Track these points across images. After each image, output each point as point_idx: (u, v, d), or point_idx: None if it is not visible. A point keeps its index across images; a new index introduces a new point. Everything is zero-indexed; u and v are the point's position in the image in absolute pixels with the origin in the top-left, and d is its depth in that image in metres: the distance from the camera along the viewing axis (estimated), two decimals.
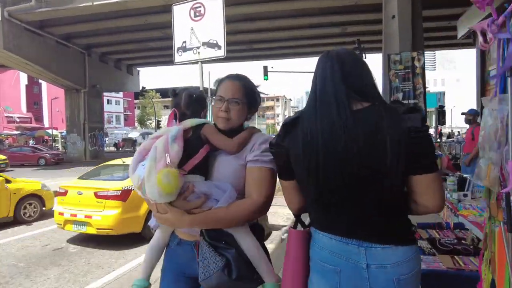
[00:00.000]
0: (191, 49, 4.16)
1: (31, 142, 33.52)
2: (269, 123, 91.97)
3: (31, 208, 7.09)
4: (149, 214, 5.01)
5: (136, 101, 58.14)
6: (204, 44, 4.11)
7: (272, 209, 1.67)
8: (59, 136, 35.97)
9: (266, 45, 24.17)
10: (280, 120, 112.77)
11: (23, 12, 16.27)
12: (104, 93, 53.78)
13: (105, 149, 39.81)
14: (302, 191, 1.29)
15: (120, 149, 37.27)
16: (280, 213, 7.14)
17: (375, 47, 24.47)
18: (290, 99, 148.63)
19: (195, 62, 4.22)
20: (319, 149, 1.13)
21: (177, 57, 4.32)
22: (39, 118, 47.97)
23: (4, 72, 45.76)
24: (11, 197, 6.72)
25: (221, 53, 3.89)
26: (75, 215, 5.31)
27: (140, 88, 31.26)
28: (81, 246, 5.49)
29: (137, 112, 60.29)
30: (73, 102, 23.31)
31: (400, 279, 1.12)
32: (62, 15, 16.90)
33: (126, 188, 5.19)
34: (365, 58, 20.27)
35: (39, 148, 22.24)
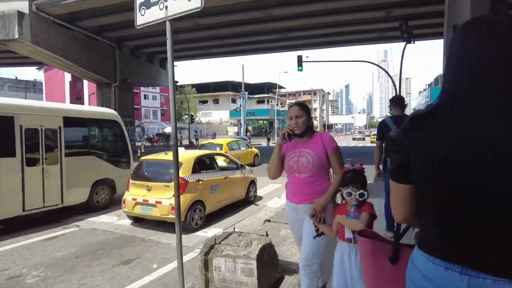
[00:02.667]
0: (156, 3, 2.81)
1: None
2: None
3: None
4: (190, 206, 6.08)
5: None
6: None
7: None
8: None
9: (302, 33, 22.40)
10: (318, 114, 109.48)
11: (50, 5, 16.00)
12: (141, 89, 55.53)
13: (142, 143, 40.35)
14: (421, 198, 1.10)
15: (155, 143, 37.46)
16: None
17: (426, 32, 21.76)
18: (329, 93, 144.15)
19: (162, 22, 2.87)
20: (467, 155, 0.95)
21: (139, 18, 2.98)
22: None
23: (51, 70, 48.09)
24: None
25: (196, 3, 2.46)
26: (147, 200, 6.10)
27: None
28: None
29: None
30: (104, 96, 23.19)
31: None
32: (88, 6, 16.47)
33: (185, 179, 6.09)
34: (413, 43, 17.85)
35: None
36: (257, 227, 5.73)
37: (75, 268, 4.39)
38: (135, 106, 55.22)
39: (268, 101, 70.52)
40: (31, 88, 60.43)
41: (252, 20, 19.92)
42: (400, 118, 4.08)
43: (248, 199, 8.02)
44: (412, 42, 17.94)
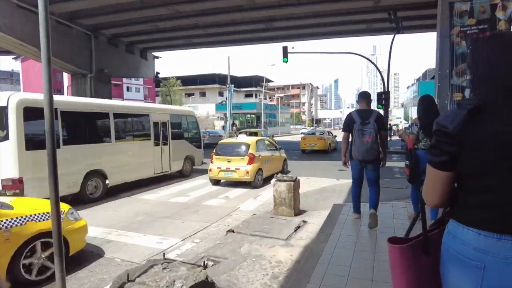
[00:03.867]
0: None
1: None
2: (293, 112, 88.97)
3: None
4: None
5: (157, 89, 57.24)
6: None
7: None
8: None
9: (287, 23, 21.51)
10: (306, 109, 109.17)
11: None
12: (124, 81, 53.81)
13: None
14: (466, 183, 1.30)
15: None
16: None
17: (415, 24, 21.13)
18: (317, 87, 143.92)
19: None
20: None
21: None
22: None
23: (28, 60, 45.95)
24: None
25: None
26: (229, 168, 9.60)
27: (154, 74, 29.43)
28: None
29: (158, 99, 59.48)
30: (79, 88, 21.93)
31: None
32: None
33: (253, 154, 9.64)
34: (402, 32, 17.19)
35: None
36: (217, 238, 4.94)
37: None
38: (118, 99, 53.70)
39: (256, 95, 69.55)
40: (7, 78, 58.02)
41: (234, 8, 18.92)
42: (365, 112, 4.50)
43: (284, 171, 11.42)
44: (401, 32, 17.31)
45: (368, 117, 4.40)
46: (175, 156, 11.32)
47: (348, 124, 4.54)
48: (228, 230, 4.84)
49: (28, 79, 50.51)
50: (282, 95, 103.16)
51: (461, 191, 1.31)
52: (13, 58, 50.74)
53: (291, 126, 66.87)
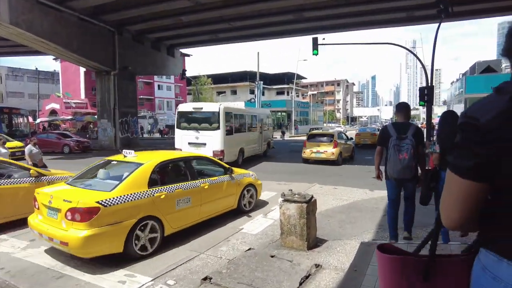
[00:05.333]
0: None
1: (62, 127, 33.43)
2: (327, 109, 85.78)
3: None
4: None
5: (188, 87, 57.28)
6: None
7: None
8: None
9: (318, 13, 19.77)
10: (341, 106, 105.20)
11: None
12: (155, 79, 54.22)
13: (152, 135, 39.01)
14: (506, 199, 0.97)
15: (165, 135, 35.96)
16: None
17: (466, 10, 18.52)
18: (353, 83, 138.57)
19: None
20: None
21: None
22: (95, 104, 49.21)
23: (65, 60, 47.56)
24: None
25: None
26: (319, 151, 13.89)
27: (181, 72, 28.79)
28: None
29: (190, 98, 59.56)
30: (103, 85, 21.66)
31: None
32: None
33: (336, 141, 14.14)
34: (449, 19, 14.88)
35: (67, 135, 21.00)
36: (194, 285, 3.56)
37: None
38: (148, 97, 54.33)
39: (288, 92, 67.64)
40: (49, 78, 60.68)
41: None
42: (402, 125, 4.04)
43: (352, 157, 15.86)
44: (448, 19, 14.99)
45: (406, 131, 3.98)
46: (262, 142, 16.78)
47: (383, 138, 4.14)
48: (204, 278, 3.43)
49: (66, 78, 52.32)
50: (315, 92, 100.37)
51: (499, 210, 0.98)
52: (53, 59, 52.97)
53: (324, 125, 64.38)
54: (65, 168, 12.58)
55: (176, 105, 60.21)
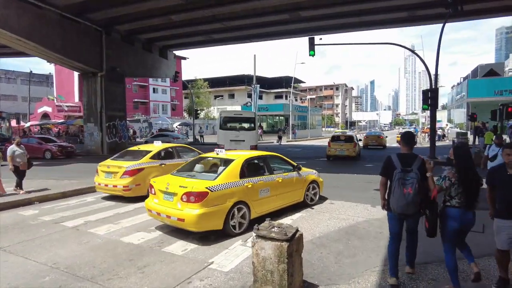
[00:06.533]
0: None
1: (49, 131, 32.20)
2: (326, 114, 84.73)
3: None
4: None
5: (185, 91, 56.30)
6: None
7: None
8: None
9: (315, 13, 18.77)
10: (340, 110, 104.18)
11: None
12: (150, 82, 53.22)
13: (142, 139, 37.80)
14: None
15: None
16: None
17: (474, 9, 17.50)
18: (352, 88, 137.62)
19: None
20: None
21: None
22: None
23: None
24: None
25: None
26: (342, 149, 17.27)
27: (173, 74, 27.74)
28: None
29: (186, 102, 58.48)
30: (90, 87, 20.57)
31: None
32: None
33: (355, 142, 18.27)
34: (455, 18, 13.88)
35: (50, 139, 19.88)
36: None
37: None
38: (143, 101, 53.29)
39: (286, 96, 66.71)
40: (44, 81, 59.65)
41: None
42: (407, 156, 3.88)
43: (359, 155, 18.48)
44: (456, 14, 13.92)
45: (411, 163, 3.75)
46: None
47: (387, 169, 3.93)
48: None
49: (60, 81, 51.29)
50: (314, 96, 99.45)
51: None
52: (47, 61, 52.01)
53: (323, 129, 63.26)
54: (44, 176, 11.52)
55: (172, 109, 59.50)
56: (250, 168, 6.24)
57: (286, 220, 6.33)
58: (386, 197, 3.85)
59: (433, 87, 14.99)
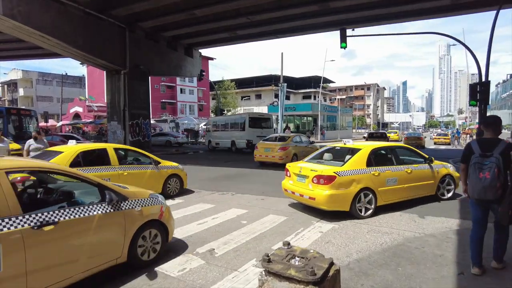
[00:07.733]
0: None
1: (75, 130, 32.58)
2: (357, 114, 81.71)
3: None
4: None
5: (212, 92, 56.17)
6: None
7: None
8: None
9: (345, 3, 17.37)
10: (371, 111, 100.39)
11: None
12: (178, 82, 53.30)
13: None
14: None
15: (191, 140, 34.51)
16: None
17: None
18: (384, 88, 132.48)
19: None
20: None
21: None
22: None
23: None
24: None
25: None
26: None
27: (198, 73, 27.20)
28: None
29: (213, 102, 58.33)
30: (113, 85, 20.34)
31: None
32: None
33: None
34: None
35: (74, 137, 19.78)
36: None
37: None
38: (171, 101, 53.53)
39: (314, 97, 64.91)
40: (77, 83, 61.73)
41: None
42: (487, 141, 3.62)
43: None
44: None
45: (491, 148, 3.47)
46: None
47: (465, 155, 3.78)
48: None
49: (92, 81, 52.68)
50: (344, 96, 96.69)
51: None
52: (80, 63, 53.67)
53: (354, 130, 60.83)
54: None
55: (199, 109, 59.51)
56: (377, 158, 6.54)
57: (314, 234, 5.15)
58: (468, 185, 3.71)
59: (484, 79, 13.19)
